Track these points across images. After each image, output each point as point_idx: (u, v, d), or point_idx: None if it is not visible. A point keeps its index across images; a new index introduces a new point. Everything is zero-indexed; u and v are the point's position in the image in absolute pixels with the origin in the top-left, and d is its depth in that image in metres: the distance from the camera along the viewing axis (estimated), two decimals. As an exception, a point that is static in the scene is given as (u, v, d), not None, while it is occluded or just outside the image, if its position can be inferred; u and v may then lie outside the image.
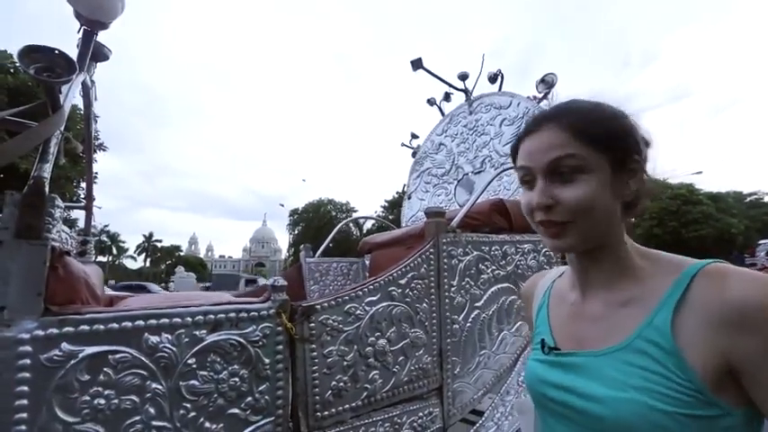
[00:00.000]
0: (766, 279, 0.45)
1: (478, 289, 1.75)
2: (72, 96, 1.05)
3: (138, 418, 0.89)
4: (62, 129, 0.98)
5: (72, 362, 0.83)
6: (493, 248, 1.86)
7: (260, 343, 1.07)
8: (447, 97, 3.66)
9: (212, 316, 1.01)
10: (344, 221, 4.37)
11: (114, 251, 48.93)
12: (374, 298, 1.36)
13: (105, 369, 0.87)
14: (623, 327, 0.52)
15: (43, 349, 0.81)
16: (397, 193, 31.67)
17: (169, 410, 0.93)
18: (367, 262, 3.17)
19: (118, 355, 0.88)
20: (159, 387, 0.92)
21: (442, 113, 3.72)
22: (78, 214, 2.20)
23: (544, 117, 0.58)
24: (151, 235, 58.87)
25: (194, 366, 0.97)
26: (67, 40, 1.24)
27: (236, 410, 1.02)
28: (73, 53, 1.06)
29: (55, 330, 0.82)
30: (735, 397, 0.45)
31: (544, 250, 2.12)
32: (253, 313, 1.07)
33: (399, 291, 1.44)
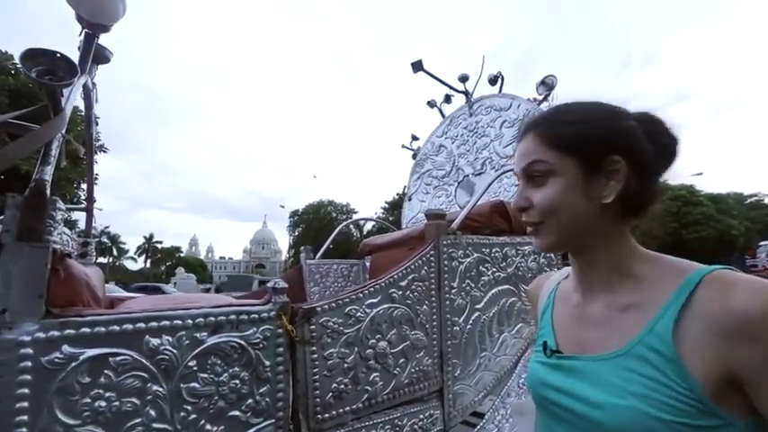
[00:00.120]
0: None
1: (479, 291, 1.75)
2: (73, 99, 1.05)
3: (138, 420, 0.89)
4: (63, 131, 0.99)
5: (73, 364, 0.83)
6: (493, 250, 1.86)
7: (260, 345, 1.07)
8: (447, 99, 3.67)
9: (213, 318, 1.01)
10: (345, 223, 4.38)
11: (115, 252, 48.96)
12: (375, 300, 1.36)
13: (106, 371, 0.87)
14: (624, 332, 0.52)
15: (44, 351, 0.81)
16: (398, 194, 31.67)
17: (170, 413, 0.93)
18: (367, 264, 3.17)
19: (119, 358, 0.88)
20: (160, 389, 0.92)
21: (443, 115, 3.73)
22: (79, 216, 2.21)
23: (526, 125, 0.62)
24: (151, 236, 59.00)
25: (195, 369, 0.97)
26: (68, 41, 1.24)
27: (236, 413, 1.02)
28: (73, 55, 1.06)
29: (56, 333, 0.82)
30: (738, 408, 0.44)
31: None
32: (253, 315, 1.07)
33: (400, 293, 1.44)
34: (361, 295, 1.33)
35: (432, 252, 1.58)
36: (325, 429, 1.20)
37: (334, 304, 1.26)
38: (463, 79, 3.38)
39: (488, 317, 1.77)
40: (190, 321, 0.98)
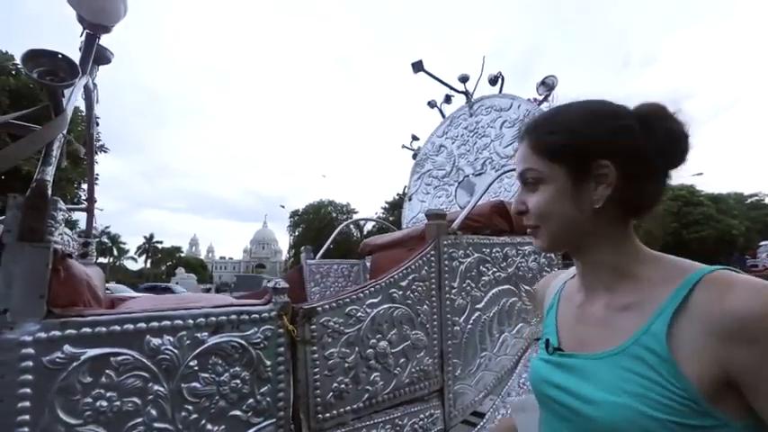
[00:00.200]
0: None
1: (479, 291, 1.75)
2: (74, 100, 1.05)
3: (139, 420, 0.89)
4: (65, 132, 0.99)
5: (74, 364, 0.83)
6: (494, 250, 1.86)
7: (261, 345, 1.07)
8: (447, 99, 3.67)
9: (214, 318, 1.01)
10: (345, 223, 4.39)
11: (115, 252, 49.00)
12: (375, 300, 1.36)
13: (107, 371, 0.87)
14: (622, 331, 0.52)
15: (46, 351, 0.81)
16: (398, 194, 31.68)
17: (171, 412, 0.93)
18: (368, 264, 3.17)
19: (120, 358, 0.88)
20: (161, 389, 0.92)
21: (443, 115, 3.73)
22: (80, 216, 2.21)
23: (522, 130, 0.64)
24: (152, 236, 58.99)
25: (196, 368, 0.97)
26: (68, 41, 1.24)
27: (237, 412, 1.02)
28: (74, 55, 1.06)
29: (57, 333, 0.83)
30: (734, 409, 0.44)
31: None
32: (254, 315, 1.08)
33: (400, 293, 1.44)
34: (361, 295, 1.33)
35: (432, 252, 1.58)
36: (325, 429, 1.20)
37: (334, 304, 1.26)
38: (463, 79, 3.38)
39: (489, 317, 1.77)
40: (191, 321, 0.98)
